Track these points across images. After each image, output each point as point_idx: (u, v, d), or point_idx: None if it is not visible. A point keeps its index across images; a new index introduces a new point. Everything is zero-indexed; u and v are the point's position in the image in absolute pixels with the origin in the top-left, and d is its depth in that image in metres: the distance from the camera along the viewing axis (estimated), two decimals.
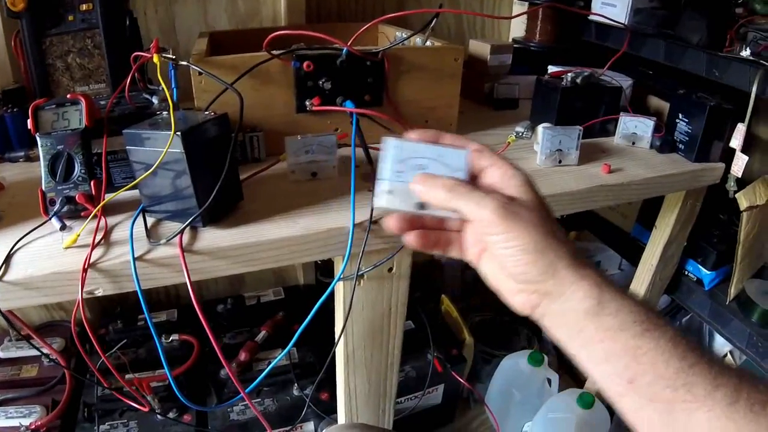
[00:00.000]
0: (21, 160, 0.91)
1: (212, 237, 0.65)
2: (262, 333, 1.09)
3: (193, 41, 0.97)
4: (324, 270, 1.36)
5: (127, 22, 0.94)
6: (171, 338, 1.10)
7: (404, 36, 0.90)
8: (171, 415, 1.01)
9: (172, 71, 0.78)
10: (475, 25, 1.31)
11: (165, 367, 0.67)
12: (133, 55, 0.76)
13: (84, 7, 0.93)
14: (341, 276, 0.70)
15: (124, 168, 0.73)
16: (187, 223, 0.63)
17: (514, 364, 1.21)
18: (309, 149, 0.75)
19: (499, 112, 1.10)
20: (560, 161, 0.87)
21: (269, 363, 1.04)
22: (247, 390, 0.68)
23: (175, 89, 0.78)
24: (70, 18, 0.95)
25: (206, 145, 0.64)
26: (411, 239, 0.48)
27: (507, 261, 0.44)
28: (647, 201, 1.08)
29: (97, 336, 1.18)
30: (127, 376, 1.09)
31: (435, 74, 0.88)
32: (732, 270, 1.00)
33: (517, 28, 1.32)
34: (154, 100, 0.79)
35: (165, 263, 0.63)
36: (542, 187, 0.79)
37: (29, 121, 0.70)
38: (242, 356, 1.04)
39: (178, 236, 0.63)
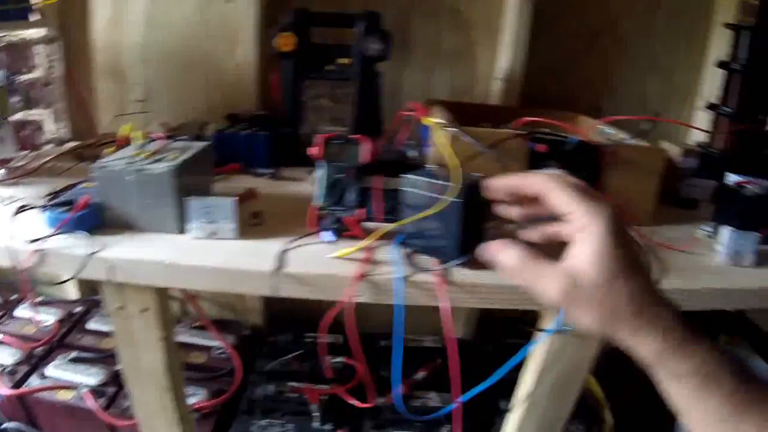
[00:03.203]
0: (267, 177, 1.07)
1: (460, 273, 0.77)
2: (421, 374, 1.18)
3: None
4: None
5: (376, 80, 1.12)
6: (336, 359, 1.21)
7: (614, 132, 1.02)
8: (327, 427, 1.12)
9: (427, 132, 0.93)
10: (657, 125, 1.40)
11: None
12: (404, 112, 0.91)
13: (344, 61, 1.12)
14: (556, 329, 0.80)
15: (385, 203, 0.86)
16: (454, 262, 0.76)
17: None
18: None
19: (677, 210, 1.17)
20: (739, 262, 0.94)
21: (423, 401, 1.15)
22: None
23: (428, 148, 0.93)
24: (328, 67, 1.13)
25: (474, 200, 0.77)
26: None
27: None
28: None
29: (268, 342, 1.31)
30: (289, 384, 1.21)
31: (639, 170, 0.98)
32: None
33: (696, 133, 1.40)
34: (411, 152, 0.94)
35: (423, 287, 0.75)
36: (720, 282, 0.86)
37: (316, 149, 0.85)
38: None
39: (440, 268, 0.75)
